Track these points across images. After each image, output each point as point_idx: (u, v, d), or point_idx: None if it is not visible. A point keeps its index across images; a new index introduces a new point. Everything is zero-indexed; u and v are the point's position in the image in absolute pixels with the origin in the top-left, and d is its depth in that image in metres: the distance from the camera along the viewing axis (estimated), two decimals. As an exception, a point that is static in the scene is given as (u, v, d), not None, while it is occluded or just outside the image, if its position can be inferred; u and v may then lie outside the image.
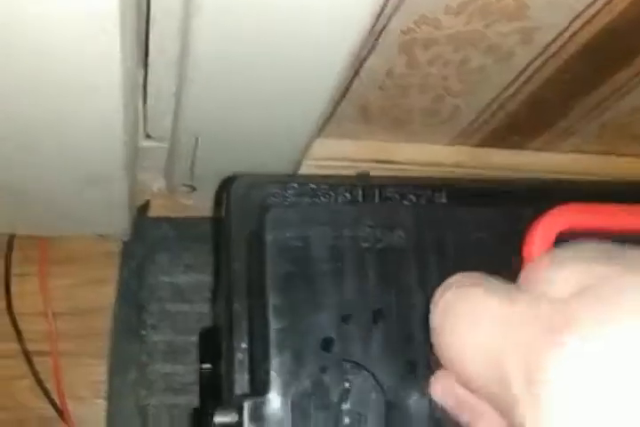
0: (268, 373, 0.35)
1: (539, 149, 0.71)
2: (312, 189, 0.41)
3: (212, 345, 0.46)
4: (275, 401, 0.35)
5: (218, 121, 0.52)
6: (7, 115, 0.44)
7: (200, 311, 0.66)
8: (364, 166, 0.67)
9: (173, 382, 0.64)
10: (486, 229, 0.40)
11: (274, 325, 0.36)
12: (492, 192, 0.42)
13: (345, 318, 0.37)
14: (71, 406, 0.62)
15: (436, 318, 0.31)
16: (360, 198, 0.41)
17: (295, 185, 0.40)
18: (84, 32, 0.38)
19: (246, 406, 0.35)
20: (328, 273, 0.37)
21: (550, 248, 0.40)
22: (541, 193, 0.42)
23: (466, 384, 0.30)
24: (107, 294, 0.65)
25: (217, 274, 0.59)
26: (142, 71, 0.51)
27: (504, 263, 0.40)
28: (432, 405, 0.36)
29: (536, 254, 0.40)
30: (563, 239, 0.41)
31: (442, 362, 0.31)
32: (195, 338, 0.65)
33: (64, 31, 0.38)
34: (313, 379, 0.35)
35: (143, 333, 0.64)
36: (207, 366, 0.49)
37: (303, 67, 0.46)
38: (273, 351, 0.36)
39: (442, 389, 0.34)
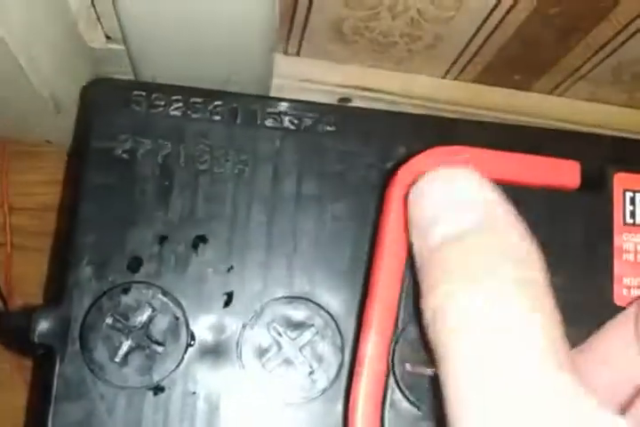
0: (65, 285, 0.34)
1: (548, 93, 0.64)
2: (180, 100, 0.38)
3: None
4: (66, 316, 0.33)
5: (157, 24, 0.50)
6: None
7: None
8: (345, 92, 0.63)
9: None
10: (350, 163, 0.36)
11: (80, 237, 0.34)
12: (377, 126, 0.38)
13: (161, 240, 0.34)
14: (20, 302, 0.63)
15: None
16: (234, 119, 0.38)
17: (159, 94, 0.38)
18: None
19: (34, 315, 0.33)
20: (151, 190, 0.35)
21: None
22: (429, 132, 0.37)
23: None
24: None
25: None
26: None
27: (356, 201, 0.36)
28: (240, 344, 0.34)
29: (396, 198, 0.36)
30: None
31: None
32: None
33: None
34: (112, 298, 0.34)
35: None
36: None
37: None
38: (73, 263, 0.34)
39: None
